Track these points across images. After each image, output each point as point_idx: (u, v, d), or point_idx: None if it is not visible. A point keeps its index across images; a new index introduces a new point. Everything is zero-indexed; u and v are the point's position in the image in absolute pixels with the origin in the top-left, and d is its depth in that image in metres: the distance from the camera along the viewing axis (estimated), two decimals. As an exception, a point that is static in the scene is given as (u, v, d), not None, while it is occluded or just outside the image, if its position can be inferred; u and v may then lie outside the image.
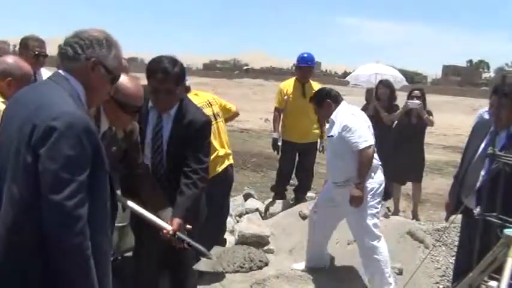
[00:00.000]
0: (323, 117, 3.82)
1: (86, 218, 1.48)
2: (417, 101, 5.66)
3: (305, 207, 4.48)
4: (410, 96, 5.82)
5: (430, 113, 5.83)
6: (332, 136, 3.64)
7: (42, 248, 1.50)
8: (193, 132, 2.66)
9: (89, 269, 1.51)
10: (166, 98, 2.61)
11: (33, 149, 1.49)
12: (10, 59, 2.78)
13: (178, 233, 2.45)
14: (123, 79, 2.24)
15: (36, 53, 3.85)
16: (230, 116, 4.24)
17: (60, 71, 1.69)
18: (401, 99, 6.24)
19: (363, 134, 3.55)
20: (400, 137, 5.82)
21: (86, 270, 1.51)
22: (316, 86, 5.23)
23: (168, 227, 2.45)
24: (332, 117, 3.70)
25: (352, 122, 3.59)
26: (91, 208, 1.52)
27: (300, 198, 5.54)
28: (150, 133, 2.71)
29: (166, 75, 2.55)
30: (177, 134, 2.68)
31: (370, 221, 3.54)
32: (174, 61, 2.61)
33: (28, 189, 1.50)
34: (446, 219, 3.55)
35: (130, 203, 2.51)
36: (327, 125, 3.89)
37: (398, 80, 6.70)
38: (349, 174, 3.54)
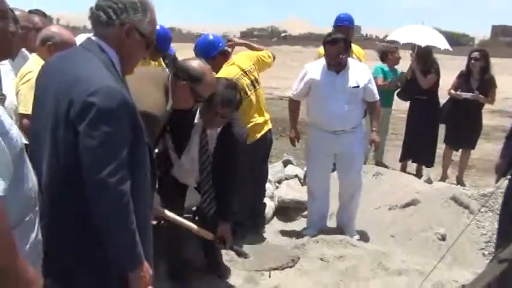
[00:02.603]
0: (341, 62, 3.77)
1: (129, 193, 1.48)
2: (470, 94, 5.48)
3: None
4: (470, 58, 5.59)
5: (492, 81, 5.57)
6: (358, 87, 3.81)
7: (85, 222, 1.50)
8: (234, 146, 2.84)
9: (136, 242, 1.52)
10: (224, 120, 2.78)
11: (72, 125, 1.47)
12: (54, 28, 2.94)
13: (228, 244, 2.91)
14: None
15: None
16: (266, 66, 4.06)
17: (93, 37, 1.62)
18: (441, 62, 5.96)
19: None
20: (459, 101, 5.59)
21: (133, 244, 1.52)
22: (356, 49, 5.02)
23: (210, 236, 2.83)
24: (348, 66, 3.82)
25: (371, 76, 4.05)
26: (133, 181, 1.51)
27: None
28: (195, 147, 2.85)
29: (234, 106, 2.75)
30: (221, 147, 2.84)
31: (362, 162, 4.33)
32: (231, 86, 2.78)
33: (69, 164, 1.49)
34: (497, 181, 3.37)
35: (168, 213, 2.69)
36: (318, 72, 3.84)
37: (438, 46, 6.36)
38: (357, 121, 3.95)
